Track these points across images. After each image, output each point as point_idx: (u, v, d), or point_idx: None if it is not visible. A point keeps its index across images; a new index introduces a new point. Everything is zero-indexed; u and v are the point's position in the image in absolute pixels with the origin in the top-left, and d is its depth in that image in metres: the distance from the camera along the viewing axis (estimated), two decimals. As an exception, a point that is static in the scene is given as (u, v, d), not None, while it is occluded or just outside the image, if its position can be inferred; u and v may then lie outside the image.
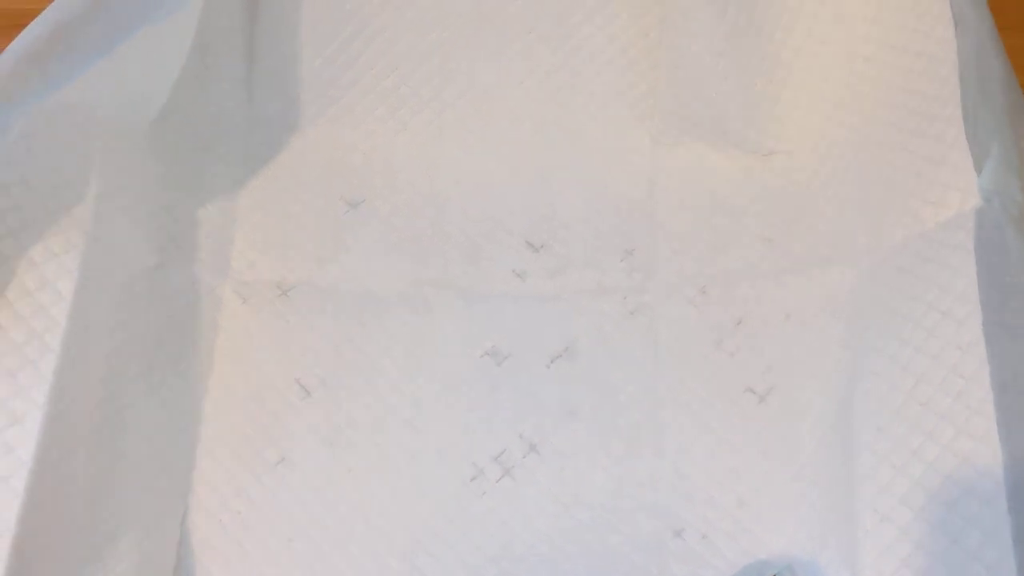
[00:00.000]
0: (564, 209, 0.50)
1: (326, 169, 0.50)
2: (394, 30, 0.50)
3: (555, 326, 0.48)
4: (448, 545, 0.43)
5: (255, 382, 0.46)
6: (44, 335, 0.38)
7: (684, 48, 0.49)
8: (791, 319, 0.46)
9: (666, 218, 0.50)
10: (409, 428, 0.45)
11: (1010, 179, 0.39)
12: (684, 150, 0.51)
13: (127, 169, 0.44)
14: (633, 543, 0.43)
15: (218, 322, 0.47)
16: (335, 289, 0.48)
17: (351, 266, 0.49)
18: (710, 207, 0.50)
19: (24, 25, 0.38)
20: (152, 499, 0.42)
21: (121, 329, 0.42)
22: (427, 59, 0.50)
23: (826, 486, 0.41)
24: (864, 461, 0.38)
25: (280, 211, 0.49)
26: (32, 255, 0.38)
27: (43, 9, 0.39)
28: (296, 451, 0.45)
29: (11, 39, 0.38)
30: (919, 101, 0.43)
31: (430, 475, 0.44)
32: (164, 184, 0.47)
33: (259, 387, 0.46)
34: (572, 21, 0.50)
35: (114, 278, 0.42)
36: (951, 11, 0.42)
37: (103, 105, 0.42)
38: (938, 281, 0.39)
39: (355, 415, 0.46)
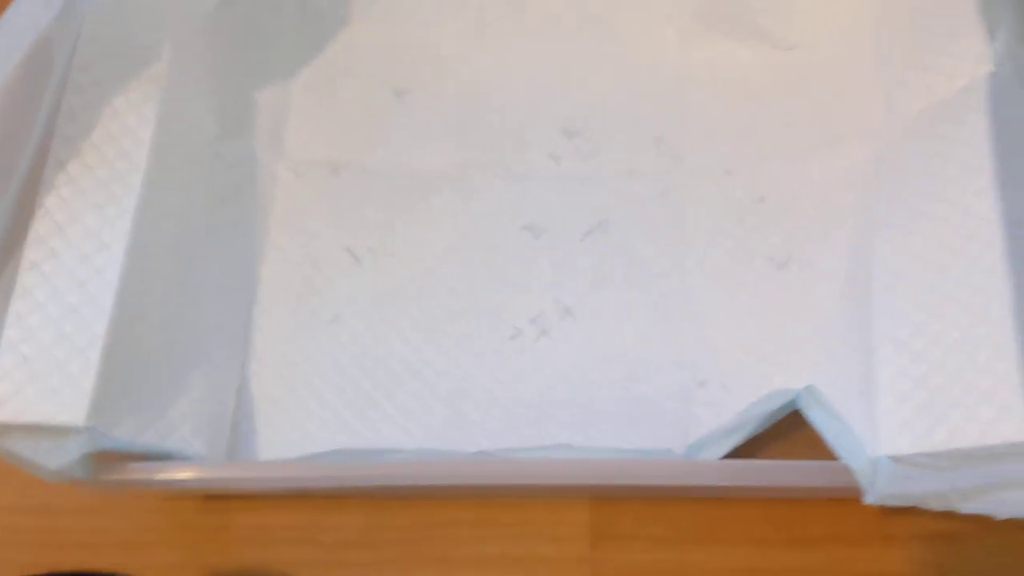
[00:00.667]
0: (598, 100, 0.53)
1: (374, 60, 0.53)
2: (439, -70, 0.53)
3: (589, 204, 0.50)
4: (489, 392, 0.46)
5: (308, 249, 0.49)
6: (127, 175, 0.41)
7: (712, -52, 0.52)
8: (810, 194, 0.49)
9: (694, 108, 0.52)
10: (453, 293, 0.48)
11: (1020, 46, 0.42)
12: (712, 46, 0.53)
13: (192, 45, 0.47)
14: (661, 392, 0.46)
15: (273, 194, 0.50)
16: (383, 169, 0.51)
17: (397, 149, 0.52)
18: (736, 98, 0.52)
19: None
20: (215, 344, 0.45)
21: (187, 188, 0.45)
22: (471, -42, 0.54)
23: (842, 335, 0.43)
24: (881, 300, 0.40)
25: (331, 98, 0.53)
26: (115, 104, 0.42)
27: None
28: (347, 312, 0.48)
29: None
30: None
31: (473, 334, 0.48)
32: (224, 66, 0.50)
33: (312, 253, 0.49)
34: (607, -79, 0.53)
35: (182, 139, 0.45)
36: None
37: None
38: (953, 138, 0.41)
39: (403, 280, 0.49)
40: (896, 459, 0.36)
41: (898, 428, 0.37)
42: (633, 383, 0.46)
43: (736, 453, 0.42)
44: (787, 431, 0.43)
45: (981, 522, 0.36)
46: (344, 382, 0.46)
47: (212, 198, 0.47)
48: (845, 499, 0.40)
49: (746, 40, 0.53)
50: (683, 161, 0.51)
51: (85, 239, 0.39)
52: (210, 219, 0.46)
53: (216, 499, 0.45)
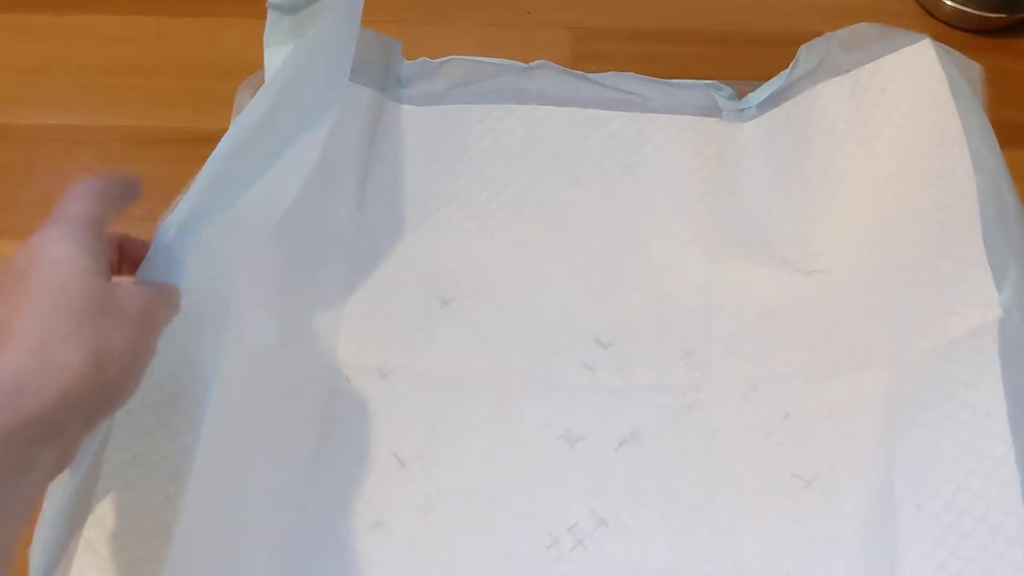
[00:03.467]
0: (629, 313, 0.57)
1: (422, 270, 0.58)
2: (489, 156, 0.58)
3: (622, 415, 0.53)
4: (529, 604, 0.48)
5: (357, 453, 0.52)
6: (196, 392, 0.44)
7: (737, 179, 0.57)
8: (832, 415, 0.52)
9: (719, 325, 0.56)
10: (492, 500, 0.51)
11: (1025, 296, 0.46)
12: (735, 266, 0.58)
13: (257, 262, 0.51)
14: (691, 608, 0.48)
15: (326, 398, 0.53)
16: (428, 375, 0.54)
17: (442, 355, 0.55)
18: (758, 316, 0.56)
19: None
20: (266, 551, 0.47)
21: (248, 398, 0.48)
22: (515, 181, 0.58)
23: (866, 560, 0.46)
24: (904, 536, 0.43)
25: (382, 305, 0.56)
26: (190, 318, 0.45)
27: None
28: (392, 516, 0.50)
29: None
30: (943, 228, 0.50)
31: (511, 543, 0.50)
32: (283, 276, 0.54)
33: (360, 457, 0.52)
34: (642, 152, 0.58)
35: (245, 350, 0.48)
36: (970, 157, 0.50)
37: (246, 209, 0.49)
38: (965, 380, 0.45)
39: (445, 487, 0.51)
40: None
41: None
42: (665, 599, 0.48)
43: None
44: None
45: None
46: (388, 588, 0.48)
47: (269, 406, 0.50)
48: None
49: (767, 263, 0.57)
50: (710, 376, 0.55)
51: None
52: (266, 427, 0.49)
53: None
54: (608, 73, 0.56)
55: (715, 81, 0.56)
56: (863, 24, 0.55)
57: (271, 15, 0.51)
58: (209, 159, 0.41)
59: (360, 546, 0.49)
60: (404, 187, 0.58)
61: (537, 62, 0.56)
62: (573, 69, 0.57)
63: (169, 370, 0.43)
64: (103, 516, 0.39)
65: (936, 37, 0.54)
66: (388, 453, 0.52)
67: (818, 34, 0.56)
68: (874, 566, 0.45)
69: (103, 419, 0.33)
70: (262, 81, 0.52)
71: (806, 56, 0.56)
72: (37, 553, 0.37)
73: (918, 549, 0.42)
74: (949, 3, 0.67)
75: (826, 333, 0.55)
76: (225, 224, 0.45)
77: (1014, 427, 0.42)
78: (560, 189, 0.58)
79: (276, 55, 0.52)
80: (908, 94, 0.54)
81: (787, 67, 0.56)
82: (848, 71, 0.55)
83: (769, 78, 0.56)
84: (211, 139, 0.42)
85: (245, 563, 0.45)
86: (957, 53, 0.54)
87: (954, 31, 0.67)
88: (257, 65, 0.53)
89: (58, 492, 0.38)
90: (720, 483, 0.51)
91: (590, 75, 0.56)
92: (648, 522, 0.50)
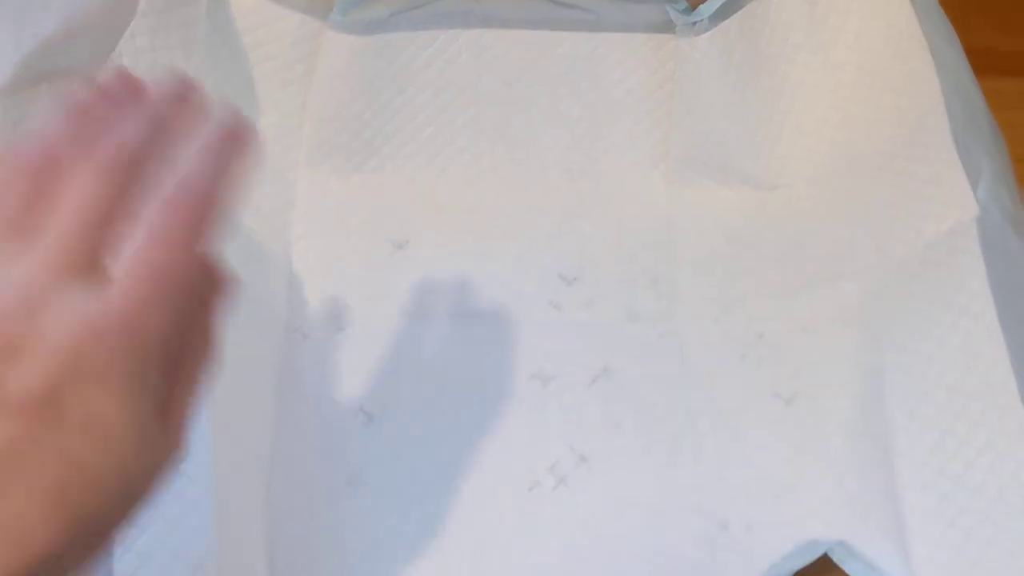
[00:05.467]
0: (591, 245, 0.54)
1: (371, 213, 0.54)
2: (436, 86, 0.54)
3: (592, 350, 0.51)
4: (512, 549, 0.46)
5: (321, 411, 0.49)
6: None
7: (694, 98, 0.55)
8: (808, 331, 0.51)
9: (685, 249, 0.54)
10: (468, 446, 0.48)
11: (1001, 191, 0.45)
12: (696, 189, 0.56)
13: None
14: (684, 540, 0.46)
15: (282, 359, 0.49)
16: (388, 324, 0.51)
17: (401, 302, 0.52)
18: (724, 237, 0.54)
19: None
20: (239, 516, 0.44)
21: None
22: (464, 111, 0.55)
23: (858, 472, 0.45)
24: (900, 442, 0.42)
25: (331, 253, 0.53)
26: None
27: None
28: (365, 472, 0.47)
29: None
30: (909, 131, 0.49)
31: (491, 487, 0.47)
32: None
33: (325, 416, 0.49)
34: (596, 74, 0.55)
35: None
36: (931, 55, 0.48)
37: None
38: (950, 282, 0.44)
39: (417, 437, 0.48)
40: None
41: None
42: (654, 532, 0.46)
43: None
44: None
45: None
46: (368, 542, 0.45)
47: (237, 369, 0.46)
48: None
49: (727, 181, 0.55)
50: (679, 302, 0.53)
51: None
52: (243, 391, 0.45)
53: None
54: (558, -14, 0.53)
55: (671, -7, 0.54)
56: (811, -76, 0.53)
57: None
58: None
59: (334, 505, 0.46)
60: (346, 124, 0.54)
61: (483, -19, 0.53)
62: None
63: None
64: None
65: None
66: (354, 408, 0.49)
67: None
68: (867, 478, 0.44)
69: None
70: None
71: (756, -38, 0.53)
72: None
73: (915, 454, 0.41)
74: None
75: (795, 249, 0.53)
76: None
77: (1005, 326, 0.41)
78: (512, 118, 0.55)
79: None
80: (862, -6, 0.52)
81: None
82: None
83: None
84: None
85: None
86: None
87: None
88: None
89: None
90: (699, 409, 0.50)
91: (537, -12, 0.53)
92: (630, 456, 0.48)
